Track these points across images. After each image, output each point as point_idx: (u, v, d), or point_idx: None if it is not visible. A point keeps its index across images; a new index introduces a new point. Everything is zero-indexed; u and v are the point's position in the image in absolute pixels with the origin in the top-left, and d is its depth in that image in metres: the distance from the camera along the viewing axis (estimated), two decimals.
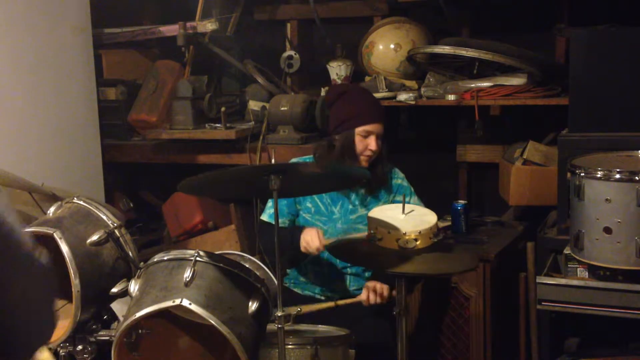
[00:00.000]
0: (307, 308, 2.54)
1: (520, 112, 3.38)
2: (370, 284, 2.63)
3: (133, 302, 2.13)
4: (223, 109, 3.56)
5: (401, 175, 2.92)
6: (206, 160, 3.66)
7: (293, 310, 2.43)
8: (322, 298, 2.84)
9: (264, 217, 2.86)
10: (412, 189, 2.89)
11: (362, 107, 2.79)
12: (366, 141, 2.76)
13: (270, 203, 2.86)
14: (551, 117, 3.30)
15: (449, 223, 3.33)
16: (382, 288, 2.60)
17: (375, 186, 2.81)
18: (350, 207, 2.84)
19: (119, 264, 2.35)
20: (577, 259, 2.57)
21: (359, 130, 2.75)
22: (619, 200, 2.41)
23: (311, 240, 2.59)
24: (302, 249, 2.62)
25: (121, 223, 2.39)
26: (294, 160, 2.95)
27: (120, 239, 2.36)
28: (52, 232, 2.22)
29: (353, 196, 2.84)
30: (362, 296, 2.61)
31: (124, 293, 2.25)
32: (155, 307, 2.04)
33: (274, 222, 2.78)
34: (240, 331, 2.03)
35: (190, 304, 2.02)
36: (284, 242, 2.65)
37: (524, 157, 3.27)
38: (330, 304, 2.58)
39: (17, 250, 1.09)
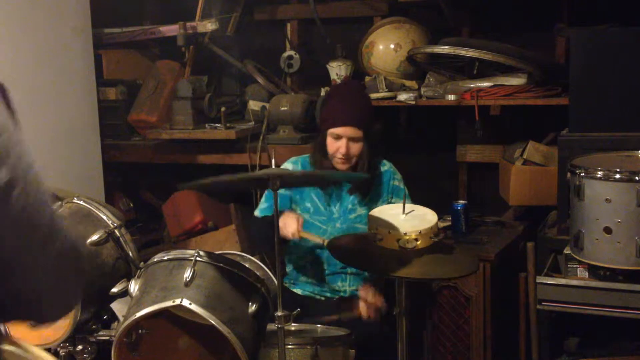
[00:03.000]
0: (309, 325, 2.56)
1: (520, 112, 3.38)
2: (366, 294, 2.64)
3: (133, 302, 2.13)
4: (223, 109, 3.56)
5: (399, 176, 2.91)
6: (206, 161, 3.66)
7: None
8: (322, 298, 2.84)
9: (256, 212, 2.87)
10: (407, 192, 2.88)
11: (337, 109, 2.77)
12: (337, 144, 2.73)
13: (263, 199, 2.87)
14: (551, 117, 3.30)
15: (449, 223, 3.33)
16: (375, 299, 2.63)
17: (364, 190, 2.81)
18: (350, 206, 2.84)
19: (119, 264, 2.35)
20: (577, 259, 2.57)
21: (330, 131, 2.75)
22: (619, 200, 2.41)
23: (288, 224, 2.56)
24: (282, 230, 2.58)
25: (121, 223, 2.39)
26: (292, 159, 2.94)
27: (120, 239, 2.36)
28: None
29: (352, 196, 2.84)
30: (362, 313, 2.63)
31: (124, 293, 2.25)
32: (155, 307, 2.04)
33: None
34: (240, 331, 2.04)
35: (190, 304, 2.02)
36: (266, 228, 2.62)
37: (524, 157, 3.27)
38: (334, 317, 2.59)
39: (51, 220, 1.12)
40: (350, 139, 2.73)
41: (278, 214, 2.20)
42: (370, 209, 2.77)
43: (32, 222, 1.09)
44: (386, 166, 2.91)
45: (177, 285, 2.07)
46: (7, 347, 1.28)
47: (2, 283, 1.07)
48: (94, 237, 2.29)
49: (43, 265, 1.10)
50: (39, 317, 1.18)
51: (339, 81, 3.69)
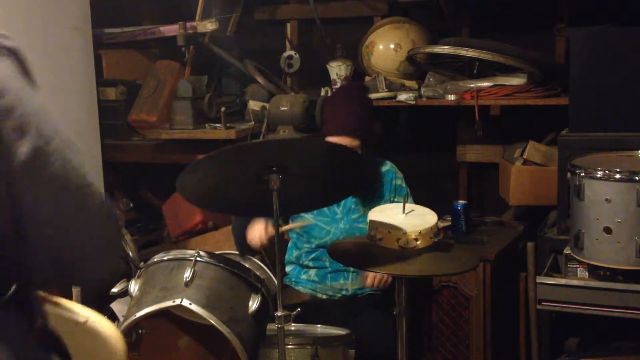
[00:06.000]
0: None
1: (520, 112, 3.38)
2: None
3: (133, 302, 2.14)
4: (223, 109, 3.56)
5: (400, 175, 2.93)
6: None
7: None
8: (324, 297, 2.84)
9: None
10: (409, 191, 2.89)
11: (333, 118, 2.83)
12: None
13: None
14: (551, 117, 3.30)
15: (449, 223, 3.33)
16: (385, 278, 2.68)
17: (365, 191, 2.82)
18: (352, 206, 2.85)
19: (119, 264, 2.35)
20: (577, 259, 2.57)
21: (329, 139, 2.78)
22: (619, 200, 2.41)
23: (252, 237, 2.65)
24: (248, 241, 2.67)
25: (121, 223, 2.39)
26: None
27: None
28: None
29: (355, 197, 2.85)
30: (368, 282, 2.71)
31: (124, 293, 2.25)
32: (155, 307, 2.05)
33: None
34: (240, 331, 2.04)
35: (190, 304, 2.03)
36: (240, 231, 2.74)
37: (524, 157, 3.27)
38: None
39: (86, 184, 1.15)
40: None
41: (278, 216, 2.19)
42: (372, 208, 2.78)
43: (65, 187, 1.11)
44: (387, 166, 2.92)
45: (177, 285, 2.08)
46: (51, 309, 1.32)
47: (44, 250, 1.10)
48: None
49: (81, 228, 1.13)
50: (85, 280, 1.23)
51: (338, 81, 3.68)
